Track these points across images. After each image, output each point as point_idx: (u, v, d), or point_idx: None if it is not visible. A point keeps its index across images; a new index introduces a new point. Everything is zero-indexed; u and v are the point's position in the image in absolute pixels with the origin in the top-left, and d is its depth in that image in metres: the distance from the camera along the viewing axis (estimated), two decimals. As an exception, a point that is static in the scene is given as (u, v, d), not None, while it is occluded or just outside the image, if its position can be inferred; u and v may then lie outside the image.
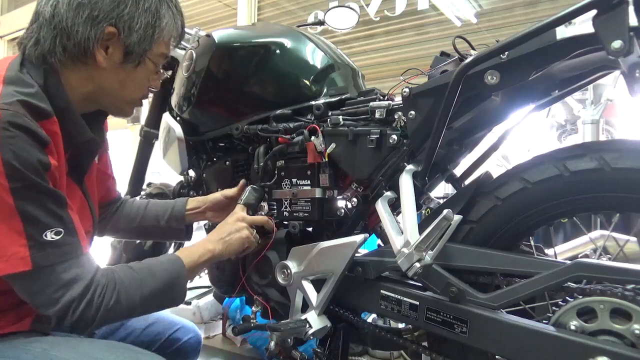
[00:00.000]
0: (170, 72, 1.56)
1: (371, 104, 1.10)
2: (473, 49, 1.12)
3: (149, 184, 1.74)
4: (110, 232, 1.29)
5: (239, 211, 1.16)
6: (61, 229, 0.83)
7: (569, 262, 0.84)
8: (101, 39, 0.90)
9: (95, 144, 0.99)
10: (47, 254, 0.82)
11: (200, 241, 1.09)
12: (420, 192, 1.05)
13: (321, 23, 1.70)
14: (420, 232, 0.89)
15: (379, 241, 1.22)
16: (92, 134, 0.96)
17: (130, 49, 0.93)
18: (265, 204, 1.25)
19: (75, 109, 0.92)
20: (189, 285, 1.04)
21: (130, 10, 0.90)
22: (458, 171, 1.22)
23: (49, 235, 0.81)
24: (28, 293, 0.84)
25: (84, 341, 0.92)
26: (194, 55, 1.35)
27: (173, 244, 1.65)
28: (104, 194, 1.20)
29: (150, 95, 1.67)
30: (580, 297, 0.84)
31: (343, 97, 1.24)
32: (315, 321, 1.09)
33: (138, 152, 1.73)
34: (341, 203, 1.16)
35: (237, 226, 1.12)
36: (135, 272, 0.92)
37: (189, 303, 2.35)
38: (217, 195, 1.28)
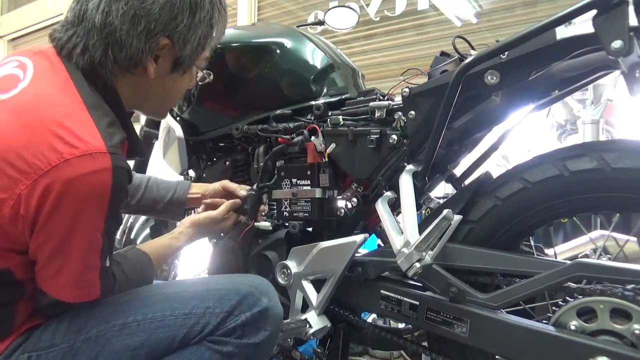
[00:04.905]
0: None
1: (371, 104, 1.10)
2: (473, 49, 1.12)
3: (149, 184, 1.74)
4: None
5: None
6: (111, 251, 0.87)
7: (569, 262, 0.84)
8: (154, 50, 0.86)
9: (143, 156, 0.99)
10: (109, 280, 0.87)
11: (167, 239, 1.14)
12: (420, 192, 1.05)
13: (321, 23, 1.70)
14: (420, 232, 0.89)
15: (379, 241, 1.22)
16: (143, 146, 0.97)
17: (182, 60, 0.90)
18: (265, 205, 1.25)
19: (132, 125, 0.92)
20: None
21: (187, 22, 0.86)
22: (458, 171, 1.22)
23: (107, 261, 0.85)
24: (67, 307, 0.85)
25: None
26: (194, 55, 1.35)
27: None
28: None
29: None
30: (580, 297, 0.84)
31: (343, 97, 1.24)
32: (315, 321, 1.09)
33: (138, 152, 1.73)
34: (341, 203, 1.16)
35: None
36: (125, 277, 0.96)
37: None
38: (216, 185, 1.28)
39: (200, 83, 1.05)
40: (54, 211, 0.73)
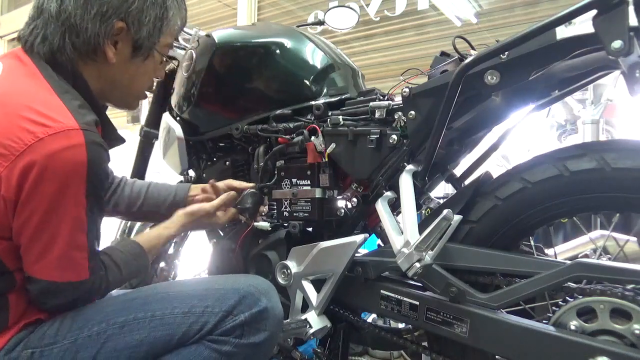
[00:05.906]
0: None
1: (371, 104, 1.10)
2: (473, 49, 1.12)
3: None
4: (110, 214, 1.28)
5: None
6: (98, 237, 0.88)
7: (569, 262, 0.84)
8: (110, 34, 0.89)
9: (122, 142, 0.99)
10: (97, 263, 0.88)
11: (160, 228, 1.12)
12: (420, 192, 1.05)
13: (321, 23, 1.70)
14: (420, 232, 0.89)
15: (379, 241, 1.22)
16: (119, 133, 0.98)
17: (140, 43, 0.93)
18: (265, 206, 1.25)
19: (104, 111, 0.93)
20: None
21: (139, 4, 0.90)
22: (458, 171, 1.22)
23: (96, 244, 0.86)
24: (58, 292, 0.84)
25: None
26: (194, 55, 1.35)
27: (172, 245, 1.65)
28: None
29: (151, 95, 1.68)
30: (580, 297, 0.84)
31: (343, 97, 1.24)
32: (315, 321, 1.09)
33: (138, 152, 1.73)
34: (341, 203, 1.16)
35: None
36: (116, 267, 0.95)
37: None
38: (221, 184, 1.27)
39: (167, 72, 1.05)
40: (35, 188, 0.76)
